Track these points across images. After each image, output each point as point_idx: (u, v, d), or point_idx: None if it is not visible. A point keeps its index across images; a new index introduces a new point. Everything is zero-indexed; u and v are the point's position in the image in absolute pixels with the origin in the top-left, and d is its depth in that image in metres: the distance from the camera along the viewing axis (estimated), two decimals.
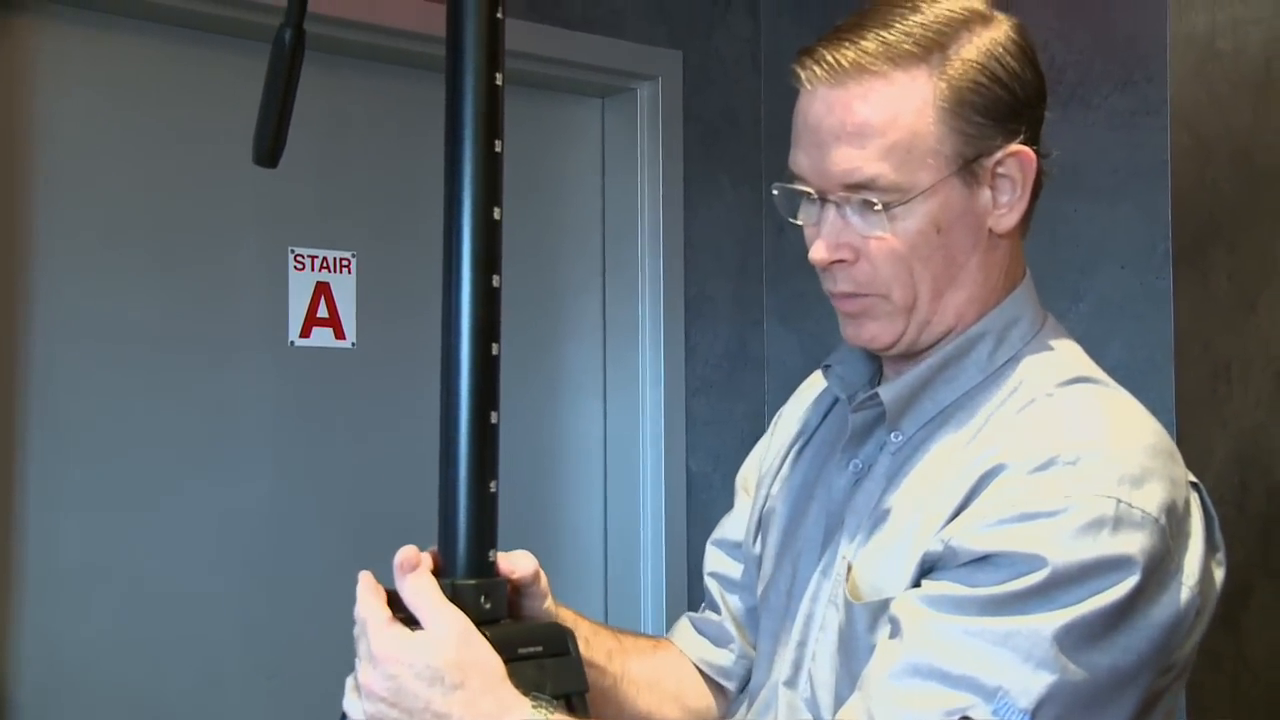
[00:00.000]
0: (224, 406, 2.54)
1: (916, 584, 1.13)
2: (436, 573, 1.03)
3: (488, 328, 1.04)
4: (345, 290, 2.67)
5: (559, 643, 1.06)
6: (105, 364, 2.42)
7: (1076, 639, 1.05)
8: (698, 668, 1.44)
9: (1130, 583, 1.06)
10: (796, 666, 1.25)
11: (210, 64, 2.53)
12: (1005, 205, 1.20)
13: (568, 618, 1.20)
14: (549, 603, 1.16)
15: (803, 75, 1.18)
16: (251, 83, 2.72)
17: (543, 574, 1.15)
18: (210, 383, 2.52)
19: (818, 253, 1.20)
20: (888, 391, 1.22)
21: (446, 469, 1.03)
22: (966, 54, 1.16)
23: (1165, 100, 2.49)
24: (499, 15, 1.05)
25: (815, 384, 1.44)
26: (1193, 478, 1.19)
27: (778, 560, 1.34)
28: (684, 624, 1.48)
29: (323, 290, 2.65)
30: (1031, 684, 1.03)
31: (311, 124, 2.61)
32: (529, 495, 2.93)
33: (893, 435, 1.23)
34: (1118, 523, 1.06)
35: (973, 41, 1.17)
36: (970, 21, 1.18)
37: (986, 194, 1.18)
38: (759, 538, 1.39)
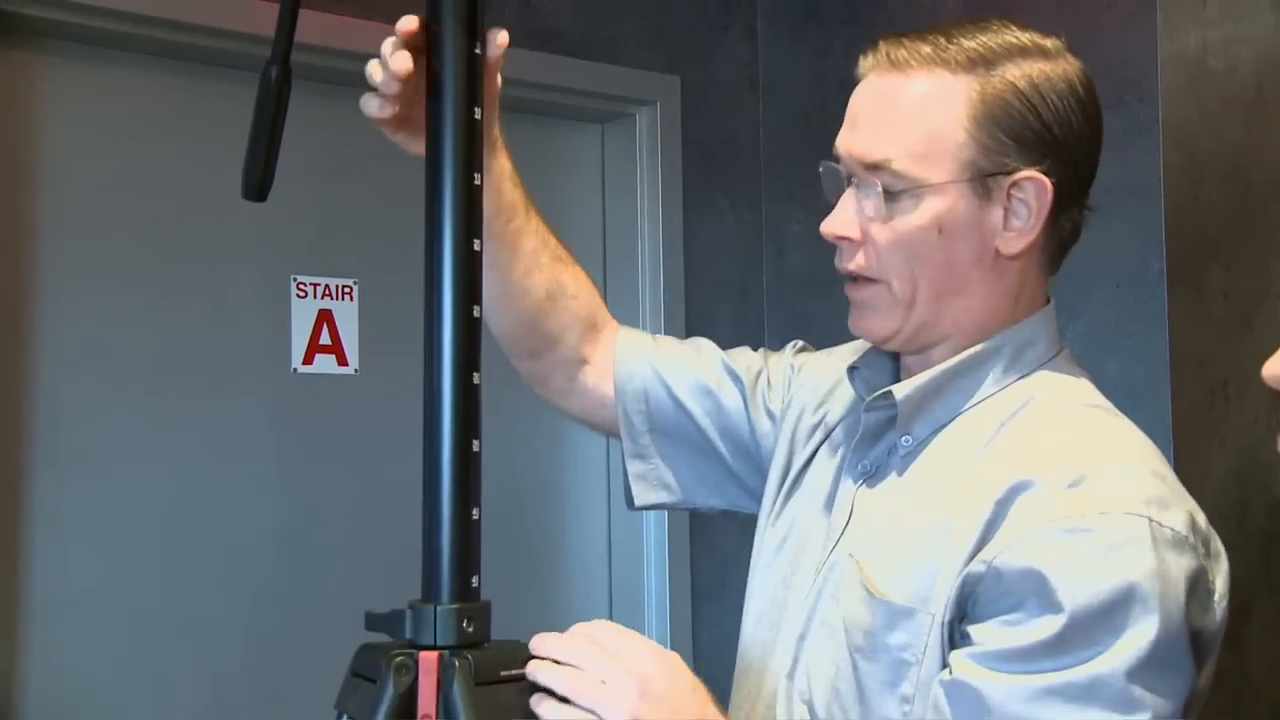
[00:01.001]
0: (228, 433, 2.56)
1: (960, 608, 1.14)
2: (424, 598, 1.05)
3: (469, 358, 1.06)
4: (347, 317, 2.70)
5: None
6: (110, 392, 2.45)
7: (1151, 670, 1.06)
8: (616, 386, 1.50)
9: (1179, 602, 1.08)
10: (795, 660, 1.26)
11: (211, 96, 2.56)
12: (1015, 229, 1.22)
13: (500, 163, 1.36)
14: (495, 132, 1.31)
15: (861, 63, 1.25)
16: (249, 115, 2.75)
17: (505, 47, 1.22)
18: (214, 410, 2.55)
19: (828, 226, 1.25)
20: (901, 390, 1.25)
21: (430, 497, 1.06)
22: (1010, 75, 1.20)
23: (1156, 120, 2.51)
24: (478, 51, 1.08)
25: (846, 361, 1.43)
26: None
27: (779, 556, 1.36)
28: (640, 343, 1.54)
29: (325, 318, 2.68)
30: None
31: (313, 154, 2.64)
32: (535, 512, 2.95)
33: (903, 439, 1.26)
34: (1152, 540, 1.08)
35: (1022, 68, 1.20)
36: (1030, 51, 1.22)
37: (998, 213, 1.21)
38: (770, 516, 1.41)
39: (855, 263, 1.24)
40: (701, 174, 3.12)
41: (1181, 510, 1.13)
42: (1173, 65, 2.54)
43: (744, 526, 1.54)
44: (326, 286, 2.68)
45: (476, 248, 1.07)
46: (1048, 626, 1.07)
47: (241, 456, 2.58)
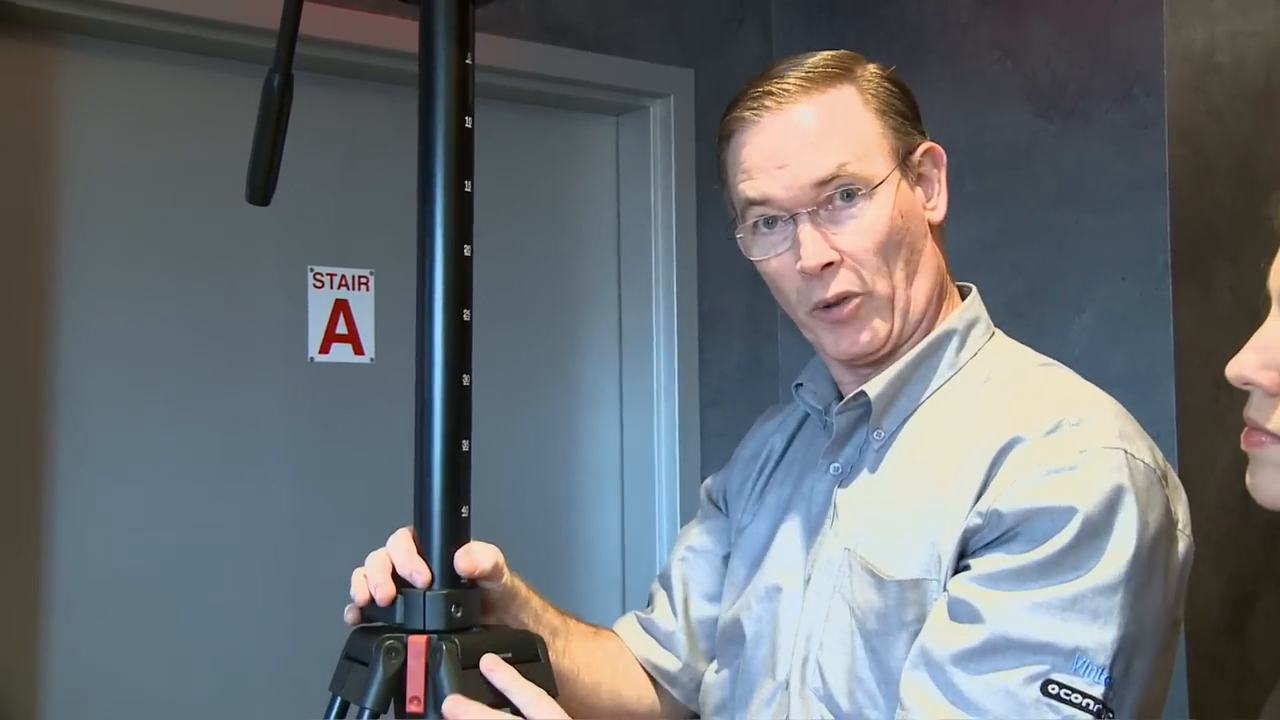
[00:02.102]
0: (246, 421, 2.61)
1: (959, 560, 1.21)
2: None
3: (459, 360, 1.10)
4: (364, 307, 2.74)
5: (529, 649, 1.11)
6: (129, 381, 2.50)
7: (1132, 590, 1.15)
8: (642, 667, 1.49)
9: (1152, 528, 1.18)
10: (805, 660, 1.30)
11: (229, 90, 2.60)
12: (932, 198, 1.34)
13: (520, 589, 1.27)
14: (506, 577, 1.23)
15: (749, 114, 1.30)
16: None
17: (503, 564, 1.20)
18: (232, 398, 2.60)
19: (812, 259, 1.27)
20: (872, 389, 1.31)
21: (421, 495, 1.09)
22: (869, 71, 1.33)
23: (1163, 113, 2.52)
24: (468, 61, 1.12)
25: (769, 419, 1.53)
26: None
27: (754, 576, 1.39)
28: (631, 622, 1.53)
29: (342, 307, 2.72)
30: (1104, 639, 1.14)
31: (329, 145, 2.69)
32: (546, 506, 2.99)
33: (875, 434, 1.32)
34: (1128, 469, 1.18)
35: (866, 66, 1.33)
36: (855, 57, 1.34)
37: (920, 189, 1.33)
38: (738, 550, 1.45)
39: (848, 282, 1.28)
40: (715, 166, 3.13)
41: (1145, 446, 1.23)
42: (1179, 59, 2.55)
43: None
44: (343, 276, 2.72)
45: (467, 252, 1.11)
46: (1040, 551, 1.15)
47: (259, 445, 2.62)
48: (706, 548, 1.51)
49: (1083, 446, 1.19)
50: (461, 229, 1.10)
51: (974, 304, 1.37)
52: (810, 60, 1.32)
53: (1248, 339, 1.01)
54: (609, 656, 1.46)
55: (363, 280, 2.74)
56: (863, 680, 1.24)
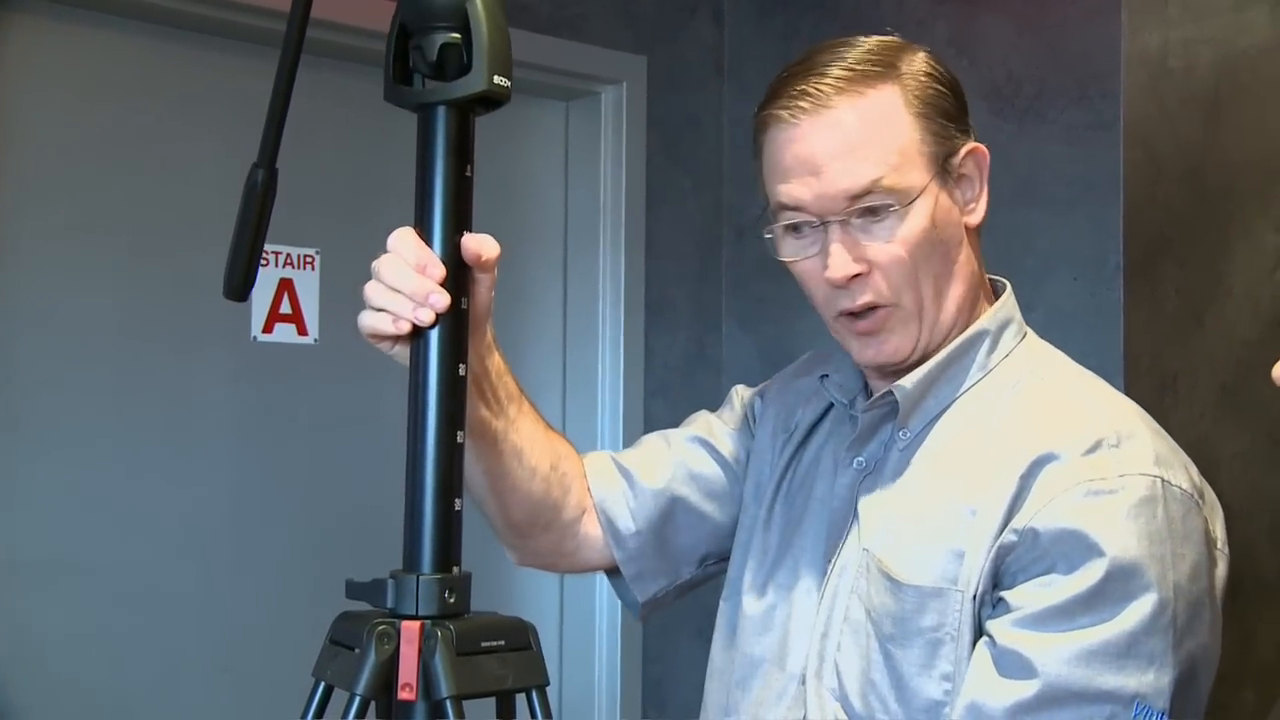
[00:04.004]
0: (186, 401, 2.55)
1: (993, 583, 1.19)
2: (405, 568, 1.06)
3: (456, 350, 1.07)
4: (308, 287, 2.69)
5: (520, 637, 1.08)
6: (68, 358, 2.43)
7: (1180, 627, 1.14)
8: (597, 505, 1.45)
9: (1190, 558, 1.17)
10: (822, 659, 1.29)
11: (178, 60, 2.54)
12: (971, 200, 1.30)
13: (489, 332, 1.30)
14: (489, 338, 1.26)
15: (785, 114, 1.26)
16: (219, 79, 2.73)
17: (498, 256, 1.16)
18: (172, 377, 2.53)
19: (839, 270, 1.25)
20: (901, 389, 1.29)
21: (413, 486, 1.06)
22: (915, 67, 1.28)
23: (1118, 116, 2.55)
24: (468, 173, 1.09)
25: (804, 378, 1.48)
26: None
27: (777, 560, 1.38)
28: (604, 460, 1.49)
29: (286, 286, 2.67)
30: (1161, 684, 1.13)
31: None
32: None
33: (901, 433, 1.30)
34: (1165, 498, 1.17)
35: (914, 58, 1.29)
36: (900, 49, 1.29)
37: (958, 192, 1.29)
38: (752, 537, 1.43)
39: (874, 294, 1.26)
40: (665, 155, 3.13)
41: (1181, 467, 1.22)
42: (1135, 63, 2.57)
43: None
44: (288, 255, 2.67)
45: (468, 174, 1.09)
46: (1083, 580, 1.14)
47: (199, 423, 2.56)
48: (719, 450, 1.48)
49: (1122, 470, 1.17)
50: (460, 219, 1.09)
51: (1007, 303, 1.34)
52: (854, 53, 1.27)
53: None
54: (553, 455, 1.41)
55: (308, 259, 2.69)
56: (875, 684, 1.23)
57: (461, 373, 1.08)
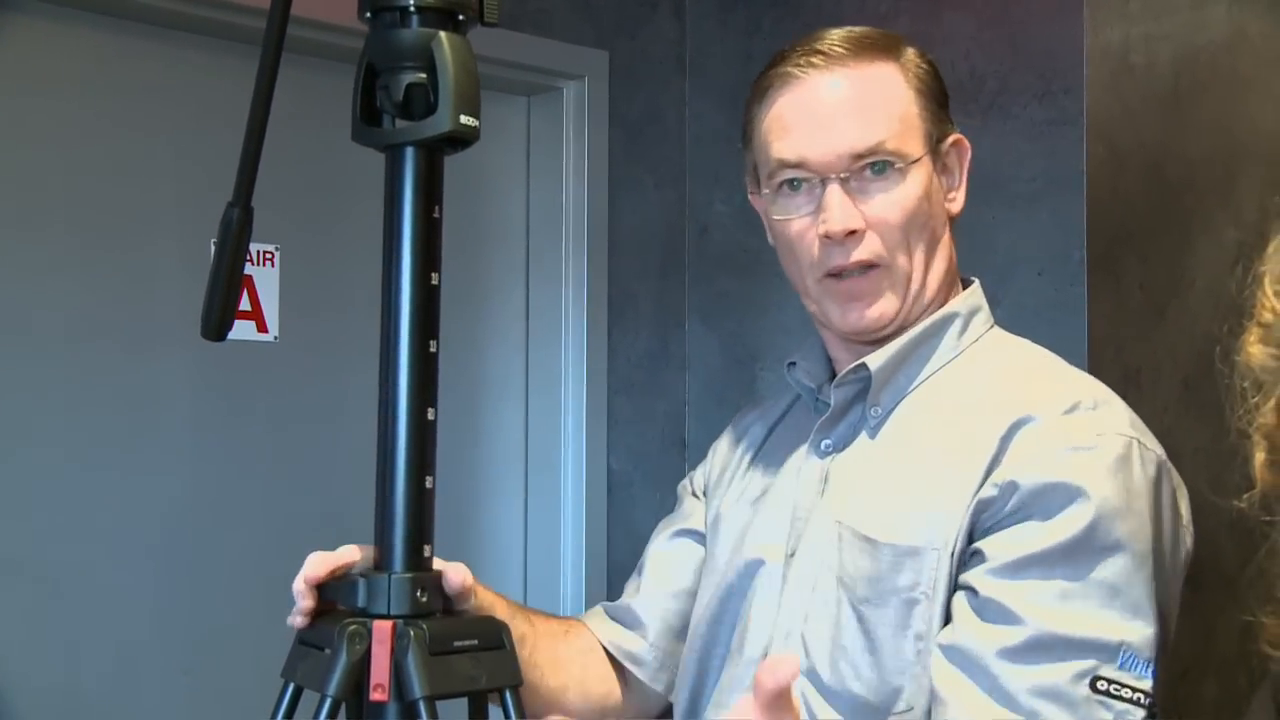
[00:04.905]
0: (143, 399, 2.51)
1: (970, 535, 1.20)
2: (376, 566, 1.04)
3: (426, 324, 1.05)
4: (268, 284, 2.66)
5: (494, 636, 1.07)
6: (20, 353, 2.38)
7: (1161, 582, 1.16)
8: (607, 651, 1.47)
9: (1166, 518, 1.20)
10: (788, 630, 1.28)
11: (134, 54, 2.50)
12: (953, 189, 1.35)
13: (486, 599, 1.26)
14: (473, 601, 1.19)
15: (793, 71, 1.29)
16: (175, 74, 2.68)
17: (472, 584, 1.16)
18: (129, 375, 2.50)
19: (838, 223, 1.27)
20: (874, 361, 1.30)
21: (384, 465, 1.05)
22: (910, 55, 1.33)
23: (1081, 111, 2.55)
24: (436, 215, 1.10)
25: (746, 413, 1.52)
26: None
27: (733, 552, 1.38)
28: (597, 612, 1.51)
29: (245, 283, 2.62)
30: (1147, 633, 1.14)
31: (235, 118, 2.58)
32: (449, 492, 2.88)
33: (871, 410, 1.32)
34: (1141, 458, 1.19)
35: (910, 47, 1.34)
36: (895, 37, 1.35)
37: (944, 178, 1.34)
38: (720, 516, 1.44)
39: (870, 251, 1.29)
40: (627, 150, 3.12)
41: (1152, 440, 1.25)
42: (1097, 58, 2.58)
43: (661, 505, 1.55)
44: (247, 252, 2.63)
45: (436, 215, 1.06)
46: (1064, 528, 1.15)
47: (157, 422, 2.53)
48: (686, 530, 1.49)
49: (1099, 430, 1.20)
50: (431, 191, 1.09)
51: (976, 293, 1.39)
52: (857, 31, 1.33)
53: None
54: (577, 654, 1.44)
55: (268, 256, 2.65)
56: (846, 649, 1.23)
57: (432, 349, 1.06)
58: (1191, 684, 2.67)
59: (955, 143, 1.35)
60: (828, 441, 1.33)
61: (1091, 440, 1.19)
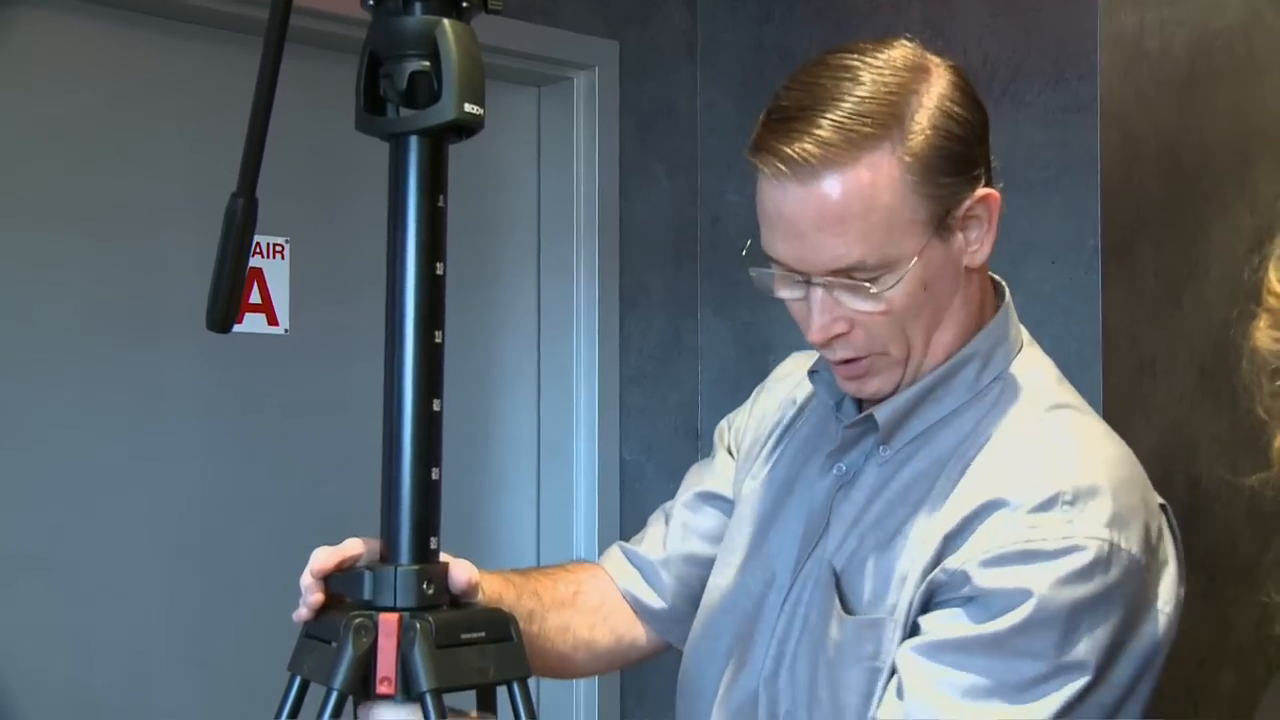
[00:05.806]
0: (154, 392, 2.51)
1: (922, 609, 1.18)
2: (382, 558, 1.03)
3: (431, 315, 1.04)
4: (278, 276, 2.65)
5: (501, 628, 1.06)
6: (32, 348, 2.39)
7: (1069, 703, 1.12)
8: (624, 598, 1.48)
9: (1114, 621, 1.13)
10: (778, 663, 1.28)
11: (143, 46, 2.49)
12: (976, 242, 1.23)
13: (493, 591, 1.27)
14: (480, 594, 1.17)
15: (767, 170, 1.19)
16: (184, 65, 2.68)
17: (478, 581, 1.14)
18: (140, 368, 2.50)
19: (819, 333, 1.22)
20: (882, 413, 1.26)
21: (389, 457, 1.04)
22: (921, 120, 1.18)
23: (1096, 98, 2.53)
24: (441, 204, 1.07)
25: (798, 370, 1.46)
26: (1161, 500, 1.25)
27: (751, 551, 1.37)
28: (616, 555, 1.51)
29: (255, 276, 2.63)
30: None
31: (244, 109, 2.58)
32: (461, 483, 2.91)
33: (881, 449, 1.28)
34: (1109, 565, 1.13)
35: (923, 104, 1.18)
36: (914, 82, 1.19)
37: (959, 238, 1.22)
38: (744, 518, 1.42)
39: (854, 349, 1.24)
40: (638, 141, 3.10)
41: (1138, 525, 1.17)
42: (1111, 44, 2.56)
43: (673, 490, 1.55)
44: (257, 244, 2.63)
45: (441, 204, 1.05)
46: (994, 625, 1.12)
47: (168, 415, 2.53)
48: (715, 492, 1.48)
49: (1067, 534, 1.14)
50: (436, 183, 1.07)
51: (1000, 323, 1.29)
52: (853, 96, 1.17)
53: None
54: (586, 615, 1.44)
55: (278, 248, 2.65)
56: (820, 701, 1.23)
57: (438, 340, 1.05)
58: (1208, 673, 2.66)
59: (982, 200, 1.21)
60: (841, 466, 1.31)
61: (1055, 544, 1.13)
